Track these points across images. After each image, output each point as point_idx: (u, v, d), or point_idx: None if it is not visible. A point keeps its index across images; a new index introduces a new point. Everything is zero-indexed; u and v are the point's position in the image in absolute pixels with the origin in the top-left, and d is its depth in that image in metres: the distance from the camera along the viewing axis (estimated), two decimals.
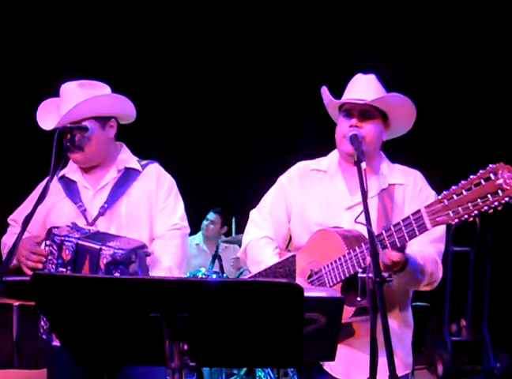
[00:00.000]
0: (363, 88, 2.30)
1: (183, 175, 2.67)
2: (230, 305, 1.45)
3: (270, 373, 4.46)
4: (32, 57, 5.71)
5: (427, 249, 2.21)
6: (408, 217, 1.99)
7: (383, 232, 2.04)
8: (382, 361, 1.86)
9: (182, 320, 1.48)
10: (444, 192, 1.91)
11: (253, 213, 2.52)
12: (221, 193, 6.19)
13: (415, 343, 2.40)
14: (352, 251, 2.11)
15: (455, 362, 5.37)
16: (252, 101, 6.15)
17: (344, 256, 2.13)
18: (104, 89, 2.51)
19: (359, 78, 2.36)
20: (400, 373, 2.06)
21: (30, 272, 2.28)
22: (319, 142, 2.63)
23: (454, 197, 1.86)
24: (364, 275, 1.95)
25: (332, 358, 1.75)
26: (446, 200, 1.89)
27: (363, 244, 2.09)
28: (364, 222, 1.99)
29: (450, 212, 1.87)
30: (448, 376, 5.40)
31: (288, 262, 2.11)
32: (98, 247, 2.20)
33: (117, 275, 2.16)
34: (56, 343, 2.25)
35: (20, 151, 5.49)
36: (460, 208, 1.85)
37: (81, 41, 5.74)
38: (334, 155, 2.42)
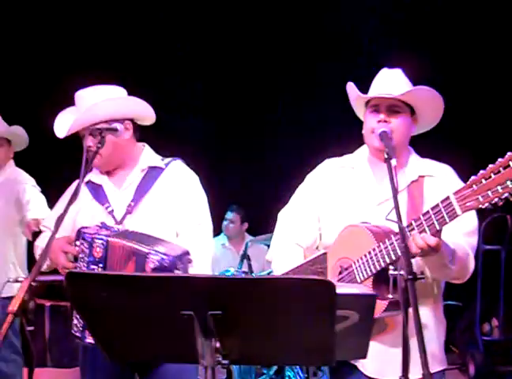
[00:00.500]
0: (390, 82, 2.29)
1: (204, 175, 2.69)
2: (262, 302, 1.45)
3: (300, 372, 4.45)
4: (44, 58, 5.78)
5: (459, 242, 2.17)
6: (437, 205, 1.96)
7: (412, 222, 2.01)
8: (415, 357, 1.84)
9: (214, 318, 1.48)
10: (472, 177, 1.88)
11: (281, 214, 2.52)
12: (241, 191, 6.18)
13: (445, 343, 2.36)
14: (381, 244, 2.08)
15: (487, 363, 5.29)
16: (277, 95, 6.15)
17: (374, 249, 2.10)
18: (118, 92, 2.55)
19: (385, 73, 2.35)
20: (434, 369, 2.04)
21: (64, 272, 2.31)
22: (346, 139, 2.60)
23: (483, 181, 1.84)
24: (396, 272, 1.93)
25: (364, 355, 1.74)
26: (474, 185, 1.86)
27: (392, 236, 2.06)
28: (395, 219, 1.98)
29: (480, 197, 1.84)
30: (480, 376, 5.32)
31: (318, 260, 2.10)
32: (146, 251, 2.22)
33: None
34: (89, 340, 2.27)
35: (41, 159, 5.54)
36: (489, 192, 1.82)
37: (96, 42, 5.79)
38: (362, 151, 2.41)
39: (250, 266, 4.71)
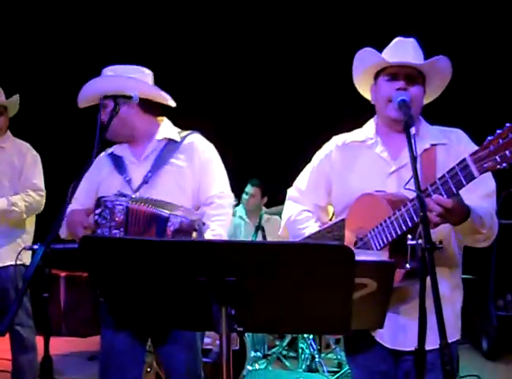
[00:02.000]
0: (408, 51, 2.26)
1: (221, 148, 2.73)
2: (279, 268, 1.42)
3: (313, 344, 4.47)
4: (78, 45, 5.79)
5: (482, 204, 2.14)
6: (453, 168, 1.92)
7: (428, 187, 1.98)
8: (431, 327, 1.81)
9: (229, 284, 1.46)
10: (488, 137, 1.83)
11: (290, 191, 2.51)
12: (258, 165, 6.16)
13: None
14: (397, 211, 2.05)
15: (500, 338, 5.27)
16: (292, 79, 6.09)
17: (390, 217, 2.07)
18: (141, 72, 2.65)
19: (401, 41, 2.31)
20: (451, 339, 2.02)
21: None
22: (363, 115, 2.57)
23: (500, 141, 1.79)
24: (414, 241, 1.89)
25: (381, 325, 1.71)
26: (491, 146, 1.81)
27: (408, 203, 2.03)
28: (413, 188, 1.94)
29: (497, 157, 1.79)
30: (493, 351, 5.31)
31: (336, 227, 2.07)
32: (166, 215, 2.34)
33: None
34: None
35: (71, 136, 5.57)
36: (507, 151, 1.77)
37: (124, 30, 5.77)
38: (370, 124, 2.39)
39: (264, 237, 4.71)
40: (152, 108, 2.67)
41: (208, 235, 2.48)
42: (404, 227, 2.03)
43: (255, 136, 6.25)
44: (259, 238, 4.64)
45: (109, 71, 2.64)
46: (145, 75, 2.68)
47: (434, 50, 2.30)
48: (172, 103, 2.69)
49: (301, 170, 2.51)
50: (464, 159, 1.89)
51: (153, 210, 2.37)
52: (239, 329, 1.54)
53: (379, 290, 1.54)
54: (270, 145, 6.26)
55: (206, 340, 3.99)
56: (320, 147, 2.48)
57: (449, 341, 1.77)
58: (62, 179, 3.36)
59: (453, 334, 2.21)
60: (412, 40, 2.31)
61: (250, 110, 6.28)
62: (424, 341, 1.87)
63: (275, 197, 5.17)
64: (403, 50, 2.27)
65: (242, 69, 6.13)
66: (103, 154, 2.74)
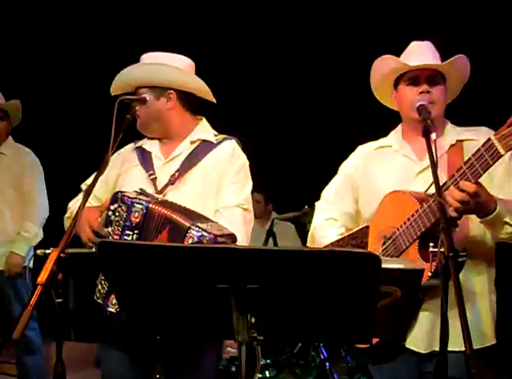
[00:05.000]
0: (427, 53, 2.26)
1: None
2: (302, 275, 1.38)
3: (323, 351, 4.42)
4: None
5: (510, 196, 2.10)
6: (479, 149, 1.90)
7: (455, 173, 1.95)
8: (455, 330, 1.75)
9: (251, 292, 1.42)
10: None
11: (318, 203, 2.51)
12: (267, 172, 6.12)
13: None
14: (424, 204, 2.02)
15: None
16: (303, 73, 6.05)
17: (417, 211, 2.04)
18: (181, 61, 2.50)
19: (417, 45, 2.31)
20: (480, 345, 1.99)
21: (90, 243, 2.26)
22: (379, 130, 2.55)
23: None
24: (436, 249, 1.85)
25: (403, 337, 1.67)
26: None
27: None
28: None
29: None
30: None
31: (360, 233, 2.03)
32: (188, 225, 2.09)
33: None
34: (111, 309, 2.21)
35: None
36: None
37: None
38: (397, 131, 2.39)
39: (275, 244, 4.68)
40: (191, 104, 2.50)
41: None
42: (432, 219, 1.99)
43: (265, 143, 6.19)
44: (270, 244, 4.61)
45: (148, 58, 2.47)
46: (187, 65, 2.51)
47: (448, 54, 2.29)
48: (213, 99, 2.52)
49: (311, 178, 2.51)
50: (488, 139, 1.88)
51: (174, 216, 2.14)
52: (259, 338, 1.51)
53: (404, 298, 1.49)
54: (279, 153, 6.21)
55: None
56: (332, 152, 2.48)
57: (478, 347, 1.72)
58: (67, 182, 3.35)
59: (483, 340, 2.13)
60: (428, 43, 2.31)
61: (259, 116, 6.24)
62: (446, 346, 1.81)
63: (286, 204, 5.15)
64: (421, 53, 2.26)
65: (250, 72, 6.09)
66: (131, 145, 2.57)
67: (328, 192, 2.49)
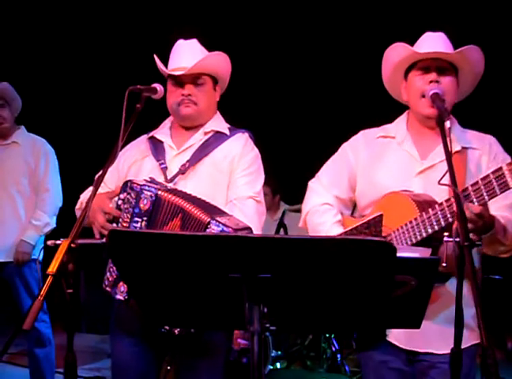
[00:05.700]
0: (439, 43, 2.22)
1: None
2: (316, 264, 1.35)
3: (335, 343, 4.40)
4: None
5: (507, 215, 2.08)
6: (488, 175, 1.87)
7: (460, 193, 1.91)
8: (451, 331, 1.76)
9: (264, 282, 1.40)
10: None
11: (312, 183, 2.45)
12: (276, 164, 6.09)
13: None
14: (424, 214, 2.00)
15: None
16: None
17: (416, 219, 2.02)
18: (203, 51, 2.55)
19: (430, 35, 2.27)
20: (469, 343, 1.98)
21: (102, 232, 2.24)
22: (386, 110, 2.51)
23: None
24: (451, 239, 1.82)
25: (417, 325, 1.64)
26: None
27: (436, 206, 1.98)
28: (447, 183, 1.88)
29: None
30: None
31: (374, 222, 2.01)
32: (207, 220, 2.07)
33: None
34: (119, 296, 2.21)
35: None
36: None
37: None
38: (401, 120, 2.33)
39: (286, 234, 4.65)
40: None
41: None
42: (429, 231, 1.98)
43: (272, 135, 6.16)
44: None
45: (186, 45, 2.50)
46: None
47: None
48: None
49: (318, 167, 2.45)
50: (500, 168, 1.85)
51: (187, 206, 2.12)
52: (271, 328, 1.49)
53: (419, 288, 1.46)
54: (288, 144, 6.18)
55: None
56: (339, 140, 2.43)
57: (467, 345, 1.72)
58: (81, 173, 3.35)
59: (472, 338, 2.10)
60: (441, 33, 2.27)
61: (265, 108, 6.21)
62: (461, 341, 1.80)
63: (295, 195, 5.11)
64: (433, 43, 2.22)
65: (257, 67, 6.06)
66: (144, 136, 2.57)
67: (324, 173, 2.42)
